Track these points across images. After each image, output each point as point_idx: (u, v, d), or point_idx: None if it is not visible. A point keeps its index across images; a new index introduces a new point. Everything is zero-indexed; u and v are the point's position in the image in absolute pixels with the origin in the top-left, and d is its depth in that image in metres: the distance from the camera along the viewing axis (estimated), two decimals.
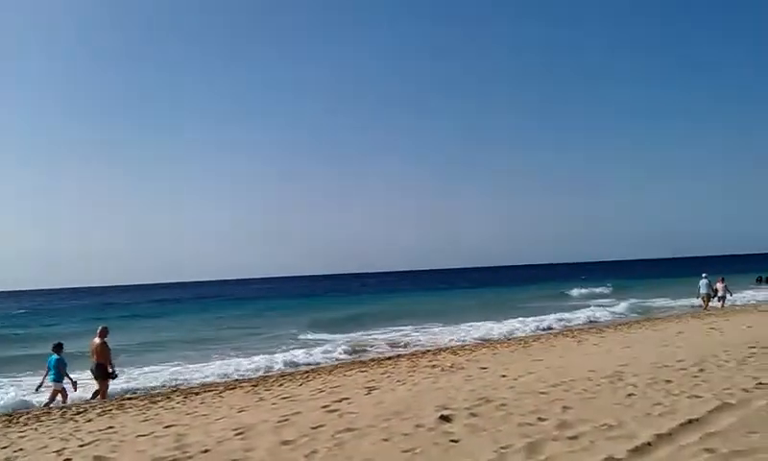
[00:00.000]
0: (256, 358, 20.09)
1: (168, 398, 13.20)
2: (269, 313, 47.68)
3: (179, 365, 19.95)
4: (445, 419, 7.95)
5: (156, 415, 10.84)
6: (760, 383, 8.95)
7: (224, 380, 16.53)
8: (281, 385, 13.67)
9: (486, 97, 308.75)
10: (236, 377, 17.01)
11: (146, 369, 19.14)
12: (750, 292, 38.74)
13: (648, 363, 11.73)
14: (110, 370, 14.70)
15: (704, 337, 15.92)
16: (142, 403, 12.50)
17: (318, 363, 19.08)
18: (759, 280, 52.25)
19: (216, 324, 40.74)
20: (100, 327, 15.14)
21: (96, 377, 14.64)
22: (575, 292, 54.66)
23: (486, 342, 21.15)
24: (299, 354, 20.53)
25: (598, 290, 55.02)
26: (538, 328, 25.72)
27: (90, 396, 14.57)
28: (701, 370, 10.51)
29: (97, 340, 14.72)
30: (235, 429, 8.45)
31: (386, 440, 7.19)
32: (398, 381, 12.34)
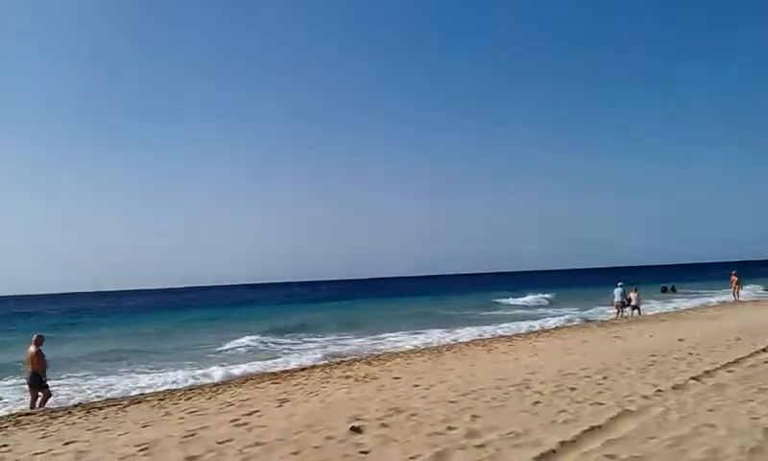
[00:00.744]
0: (167, 372, 19.51)
1: (69, 413, 12.57)
2: (195, 324, 46.58)
3: (86, 379, 19.13)
4: (356, 430, 7.93)
5: (56, 431, 10.31)
6: (659, 390, 9.39)
7: (129, 394, 15.93)
8: (189, 399, 13.28)
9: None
10: (142, 391, 16.44)
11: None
12: (654, 302, 40.62)
13: (554, 371, 12.10)
14: (44, 380, 14.26)
15: (608, 346, 16.56)
16: (41, 419, 11.85)
17: (233, 376, 18.67)
18: (664, 290, 54.60)
19: (135, 335, 39.35)
20: (35, 336, 14.71)
21: (31, 387, 14.19)
22: (507, 301, 55.39)
23: (400, 352, 21.24)
24: (213, 368, 20.06)
25: (526, 299, 56.06)
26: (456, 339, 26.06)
27: (29, 407, 14.07)
28: (604, 377, 10.93)
29: (32, 349, 14.30)
30: (139, 445, 8.14)
31: (295, 453, 7.10)
32: (311, 393, 12.23)
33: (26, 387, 14.63)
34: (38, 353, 14.30)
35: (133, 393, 16.05)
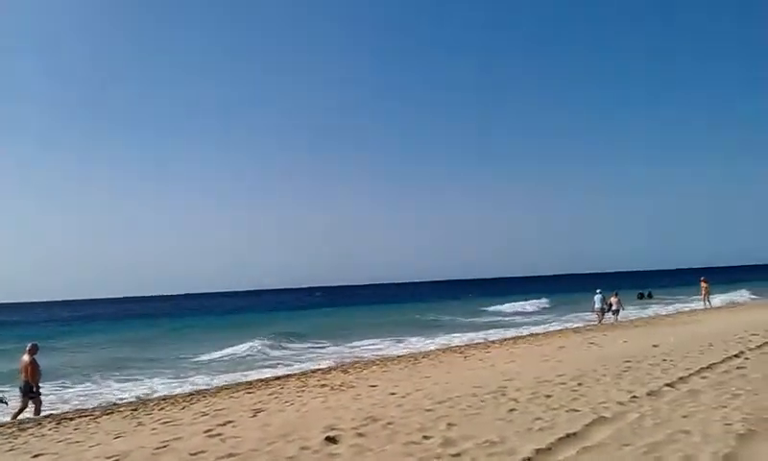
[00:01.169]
0: (144, 381, 19.39)
1: (39, 424, 12.36)
2: (184, 331, 46.39)
3: (60, 388, 18.94)
4: (331, 440, 7.86)
5: (25, 443, 10.14)
6: (634, 396, 9.44)
7: (101, 404, 15.71)
8: (162, 409, 13.13)
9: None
10: (115, 401, 16.22)
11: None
12: (630, 308, 41.13)
13: (530, 378, 12.14)
14: (34, 388, 14.24)
15: (584, 352, 16.66)
16: (9, 432, 11.62)
17: (209, 385, 18.52)
18: (640, 296, 55.19)
19: (122, 342, 39.13)
20: (29, 345, 14.72)
21: (24, 395, 14.24)
22: (496, 308, 55.69)
23: (377, 360, 21.19)
24: (192, 376, 19.99)
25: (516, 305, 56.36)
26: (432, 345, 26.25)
27: (14, 415, 14.10)
28: (579, 384, 10.98)
29: (26, 358, 14.32)
30: (110, 457, 8.00)
31: None
32: (286, 402, 12.15)
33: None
34: (32, 362, 14.30)
35: (120, 400, 15.97)
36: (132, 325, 60.29)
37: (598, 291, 32.81)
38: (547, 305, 56.03)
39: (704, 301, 39.14)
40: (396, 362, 18.67)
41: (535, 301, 59.40)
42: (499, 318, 44.37)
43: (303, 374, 18.24)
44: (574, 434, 7.32)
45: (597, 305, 32.18)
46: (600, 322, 31.12)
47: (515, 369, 14.04)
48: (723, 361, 12.53)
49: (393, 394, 11.70)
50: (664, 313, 36.55)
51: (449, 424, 8.35)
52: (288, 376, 18.17)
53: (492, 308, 55.10)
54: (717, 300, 43.30)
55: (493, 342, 23.83)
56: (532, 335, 26.06)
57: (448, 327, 37.31)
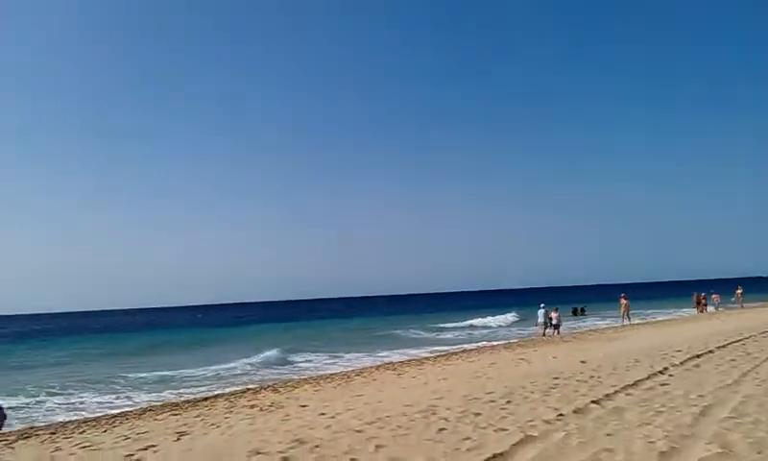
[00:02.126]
0: (75, 399, 18.79)
1: None
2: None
3: None
4: None
5: None
6: (561, 414, 9.56)
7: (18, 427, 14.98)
8: (83, 432, 12.60)
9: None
10: (33, 424, 15.51)
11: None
12: (564, 323, 42.06)
13: (460, 396, 12.19)
14: None
15: (513, 368, 16.85)
16: None
17: (136, 404, 17.98)
18: (575, 312, 56.42)
19: (79, 358, 38.03)
20: None
21: None
22: (453, 324, 55.59)
23: (309, 378, 20.91)
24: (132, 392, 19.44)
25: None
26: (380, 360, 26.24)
27: None
28: (508, 402, 11.07)
29: None
30: None
31: None
32: (213, 424, 11.84)
33: None
34: None
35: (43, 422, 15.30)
36: (88, 339, 58.84)
37: (542, 305, 33.96)
38: (515, 318, 56.86)
39: (623, 317, 40.37)
40: (328, 380, 18.48)
41: (501, 316, 59.82)
42: (450, 335, 44.51)
43: (233, 394, 17.82)
44: (501, 454, 7.35)
45: (540, 320, 33.37)
46: (543, 335, 32.24)
47: (446, 387, 14.08)
48: (648, 377, 12.85)
49: (323, 414, 11.56)
50: (594, 329, 37.43)
51: (378, 446, 8.28)
52: (217, 396, 17.73)
53: (451, 325, 55.20)
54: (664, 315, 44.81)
55: (428, 359, 23.87)
56: (465, 351, 26.24)
57: (395, 342, 37.48)
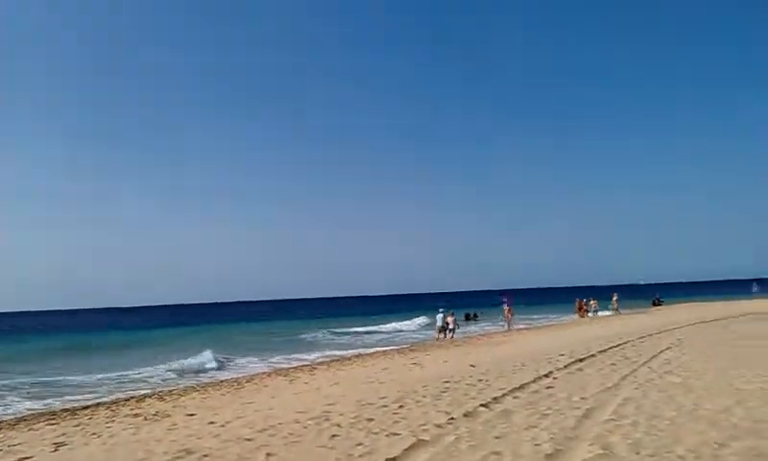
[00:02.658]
0: None
1: None
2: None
3: None
4: None
5: None
6: (451, 418, 9.71)
7: None
8: None
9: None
10: None
11: None
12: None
13: (353, 401, 12.18)
14: None
15: (406, 373, 17.02)
16: None
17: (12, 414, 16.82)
18: (468, 317, 57.74)
19: None
20: None
21: None
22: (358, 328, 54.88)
23: (197, 386, 20.23)
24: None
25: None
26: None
27: None
28: (401, 406, 11.15)
29: None
30: None
31: None
32: (93, 434, 11.26)
33: None
34: None
35: None
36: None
37: (441, 310, 35.17)
38: (425, 322, 57.12)
39: (507, 323, 41.84)
40: (217, 387, 17.96)
41: (410, 321, 59.82)
42: (344, 339, 44.25)
43: (115, 402, 16.96)
44: (393, 459, 7.37)
45: (439, 323, 34.46)
46: (438, 339, 33.36)
47: (339, 392, 14.02)
48: (534, 381, 13.29)
49: (211, 423, 11.23)
50: (483, 333, 38.45)
51: (269, 454, 8.14)
52: (98, 404, 16.83)
53: (362, 329, 54.33)
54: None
55: (321, 364, 23.72)
56: (359, 356, 26.28)
57: (293, 346, 36.91)
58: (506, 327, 41.16)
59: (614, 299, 53.61)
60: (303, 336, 46.72)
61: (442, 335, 34.06)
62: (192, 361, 28.68)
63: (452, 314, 35.16)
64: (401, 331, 50.87)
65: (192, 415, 12.58)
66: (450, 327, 34.30)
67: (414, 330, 51.13)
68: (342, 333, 49.64)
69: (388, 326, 56.14)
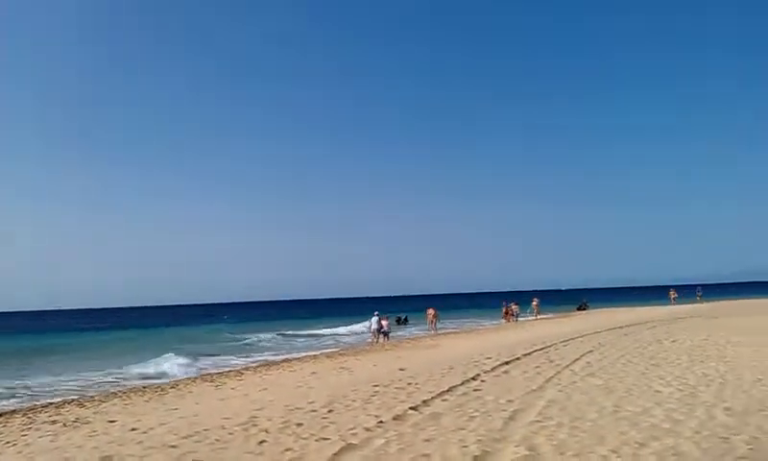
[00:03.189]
0: None
1: None
2: None
3: None
4: None
5: None
6: (381, 421, 9.73)
7: None
8: None
9: None
10: None
11: None
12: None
13: (282, 406, 12.05)
14: None
15: (335, 377, 16.97)
16: None
17: None
18: (398, 321, 57.98)
19: None
20: None
21: None
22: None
23: (119, 391, 19.56)
24: None
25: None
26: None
27: None
28: (330, 411, 11.11)
29: None
30: None
31: None
32: (8, 443, 10.78)
33: None
34: None
35: None
36: None
37: (376, 314, 35.76)
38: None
39: (430, 326, 42.38)
40: (140, 393, 17.42)
41: (354, 325, 59.29)
42: (269, 343, 43.66)
43: (32, 409, 16.22)
44: None
45: (374, 327, 35.01)
46: (376, 342, 33.81)
47: (267, 397, 13.85)
48: (462, 384, 13.46)
49: (134, 429, 10.90)
50: (412, 337, 38.70)
51: None
52: (13, 411, 16.05)
53: (304, 332, 53.34)
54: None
55: (248, 369, 23.36)
56: (287, 361, 26.01)
57: (225, 350, 36.23)
58: (430, 331, 41.66)
59: (535, 303, 55.32)
60: (246, 339, 45.82)
61: (377, 338, 34.56)
62: (130, 367, 27.71)
63: (386, 318, 35.99)
64: (343, 335, 50.60)
65: (113, 421, 12.18)
66: (384, 330, 34.96)
67: (359, 334, 50.91)
68: (291, 336, 49.07)
69: (327, 330, 55.61)
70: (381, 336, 34.70)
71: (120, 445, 9.54)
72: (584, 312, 61.88)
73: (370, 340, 34.86)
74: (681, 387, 11.79)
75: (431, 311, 42.94)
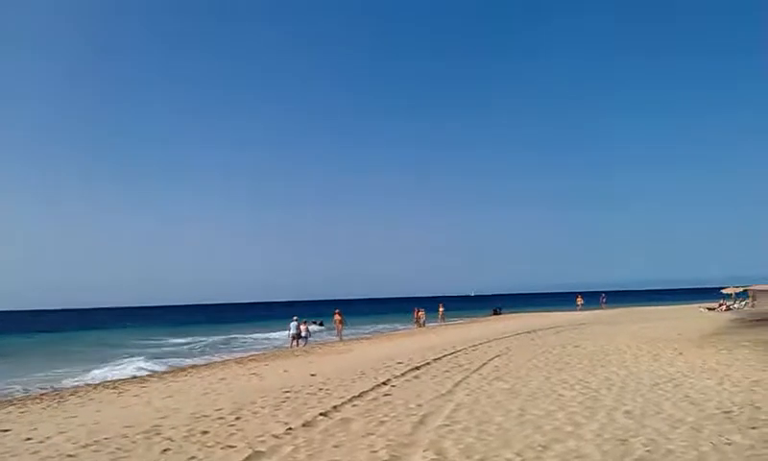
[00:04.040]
0: None
1: None
2: None
3: None
4: None
5: None
6: (290, 428, 9.65)
7: None
8: None
9: None
10: None
11: None
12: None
13: (188, 414, 11.76)
14: None
15: (244, 383, 16.70)
16: None
17: None
18: (321, 325, 57.73)
19: None
20: None
21: None
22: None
23: (13, 399, 18.53)
24: None
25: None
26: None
27: None
28: (237, 418, 10.92)
29: None
30: None
31: None
32: None
33: None
34: None
35: None
36: None
37: (294, 318, 35.78)
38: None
39: (338, 333, 42.15)
40: (36, 401, 16.56)
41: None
42: (185, 348, 42.37)
43: None
44: None
45: (292, 331, 34.86)
46: (292, 346, 33.81)
47: (172, 404, 13.47)
48: (372, 389, 13.51)
49: (29, 439, 10.41)
50: (323, 342, 38.54)
51: None
52: None
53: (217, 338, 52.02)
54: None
55: (152, 376, 22.64)
56: (195, 367, 25.36)
57: (138, 355, 34.83)
58: (338, 337, 41.38)
59: (441, 310, 56.50)
60: (161, 344, 44.24)
61: (295, 343, 34.53)
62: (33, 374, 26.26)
63: (305, 323, 36.14)
64: (275, 339, 49.60)
65: (7, 431, 11.52)
66: (303, 334, 35.13)
67: (274, 339, 49.98)
68: (212, 342, 47.61)
69: (259, 334, 54.24)
70: (301, 341, 34.75)
71: (14, 455, 9.09)
72: (498, 317, 63.47)
73: (290, 344, 34.57)
74: (583, 391, 12.25)
75: (338, 317, 42.39)
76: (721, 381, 12.72)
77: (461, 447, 8.02)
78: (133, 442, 9.40)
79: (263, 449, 8.30)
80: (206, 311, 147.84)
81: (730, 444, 7.78)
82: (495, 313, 69.99)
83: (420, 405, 11.20)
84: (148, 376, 22.95)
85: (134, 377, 22.57)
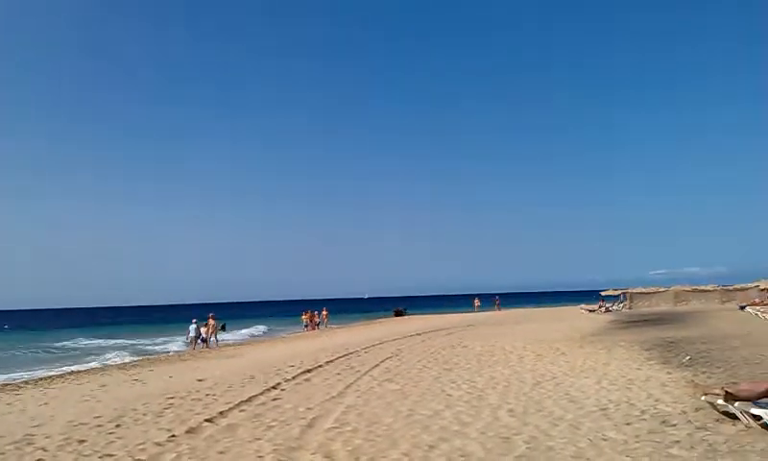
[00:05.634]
0: None
1: None
2: None
3: None
4: None
5: None
6: (173, 435, 9.40)
7: None
8: None
9: None
10: None
11: None
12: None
13: (64, 422, 11.23)
14: None
15: (126, 390, 16.09)
16: None
17: None
18: (223, 328, 56.20)
19: None
20: None
21: None
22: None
23: None
24: None
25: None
26: None
27: None
28: (117, 426, 10.54)
29: None
30: None
31: None
32: None
33: None
34: None
35: None
36: None
37: (194, 321, 35.20)
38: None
39: (211, 336, 40.86)
40: None
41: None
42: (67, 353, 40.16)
43: None
44: None
45: (192, 334, 34.45)
46: (194, 348, 33.38)
47: (47, 412, 12.80)
48: (262, 393, 13.37)
49: None
50: (213, 346, 37.73)
51: None
52: None
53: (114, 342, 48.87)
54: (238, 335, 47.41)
55: (28, 382, 21.36)
56: (73, 373, 24.16)
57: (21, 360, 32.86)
58: (213, 341, 40.01)
59: (324, 313, 55.75)
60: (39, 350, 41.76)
61: (195, 345, 34.03)
62: None
63: (206, 325, 35.30)
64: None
65: None
66: (203, 336, 34.64)
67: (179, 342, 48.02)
68: (103, 346, 45.17)
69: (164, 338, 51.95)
70: (202, 342, 34.37)
71: None
72: (401, 318, 63.90)
73: (192, 347, 34.06)
74: (470, 390, 12.63)
75: (211, 322, 40.04)
76: (599, 380, 13.44)
77: (349, 448, 8.09)
78: (2, 454, 8.88)
79: (144, 458, 8.07)
80: (145, 312, 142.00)
81: (606, 439, 8.25)
82: (398, 314, 70.54)
83: (309, 409, 11.20)
84: (23, 382, 21.66)
85: (6, 385, 21.24)
